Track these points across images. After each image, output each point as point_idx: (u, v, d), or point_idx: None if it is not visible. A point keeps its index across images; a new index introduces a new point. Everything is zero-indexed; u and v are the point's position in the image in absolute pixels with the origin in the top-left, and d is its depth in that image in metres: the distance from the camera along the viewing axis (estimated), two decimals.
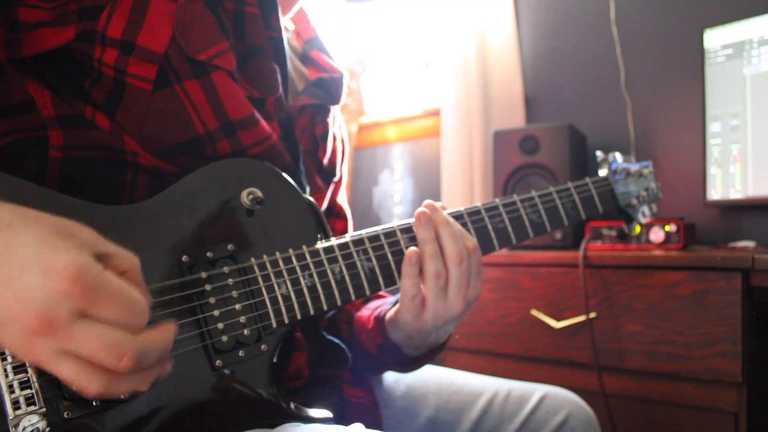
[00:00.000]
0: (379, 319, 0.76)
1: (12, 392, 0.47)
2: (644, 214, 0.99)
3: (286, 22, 0.84)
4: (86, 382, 0.42)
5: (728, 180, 1.38)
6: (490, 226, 0.76)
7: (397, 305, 0.72)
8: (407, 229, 0.70)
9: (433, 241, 0.67)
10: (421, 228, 0.67)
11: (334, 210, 0.89)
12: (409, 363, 0.79)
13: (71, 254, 0.41)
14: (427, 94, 2.21)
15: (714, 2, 1.54)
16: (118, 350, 0.42)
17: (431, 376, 0.90)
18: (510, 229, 0.77)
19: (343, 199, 0.92)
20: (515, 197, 0.79)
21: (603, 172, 0.94)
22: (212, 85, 0.62)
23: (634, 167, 0.96)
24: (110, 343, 0.41)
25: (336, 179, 0.87)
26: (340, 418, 0.66)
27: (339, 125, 0.90)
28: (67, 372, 0.42)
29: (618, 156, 0.96)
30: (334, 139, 0.87)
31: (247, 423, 0.58)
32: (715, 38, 1.39)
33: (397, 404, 0.86)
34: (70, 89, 0.59)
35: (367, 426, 0.58)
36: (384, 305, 0.78)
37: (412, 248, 0.67)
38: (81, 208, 0.54)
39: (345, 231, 0.90)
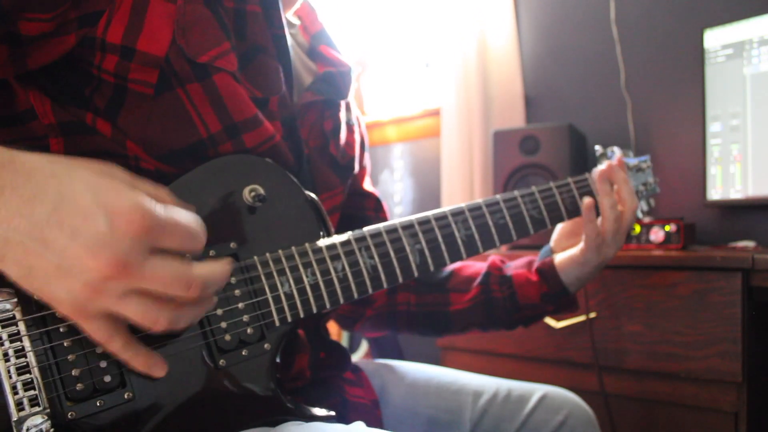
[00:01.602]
0: (542, 272, 0.87)
1: (15, 393, 0.47)
2: (642, 209, 0.98)
3: (290, 17, 0.83)
4: (155, 317, 0.45)
5: (728, 180, 1.38)
6: (491, 222, 0.76)
7: (566, 253, 0.87)
8: (408, 226, 0.70)
9: (611, 193, 0.83)
10: (601, 182, 0.84)
11: (365, 194, 0.91)
12: (565, 306, 0.88)
13: (131, 195, 0.43)
14: (427, 94, 2.21)
15: (714, 2, 1.54)
16: (187, 281, 0.45)
17: (432, 376, 0.90)
18: (511, 225, 0.77)
19: (369, 186, 0.93)
20: (516, 193, 0.79)
21: (602, 167, 0.94)
22: (214, 87, 0.61)
23: (632, 162, 0.96)
24: (179, 276, 0.45)
25: (356, 172, 0.86)
26: (342, 418, 0.66)
27: (356, 116, 0.89)
28: (135, 310, 0.44)
29: (617, 150, 0.95)
30: (352, 131, 0.85)
31: (249, 421, 0.58)
32: (715, 38, 1.39)
33: (397, 404, 0.86)
34: (71, 97, 0.58)
35: (368, 426, 0.58)
36: (534, 263, 0.89)
37: (587, 199, 0.83)
38: None
39: (378, 210, 0.92)
